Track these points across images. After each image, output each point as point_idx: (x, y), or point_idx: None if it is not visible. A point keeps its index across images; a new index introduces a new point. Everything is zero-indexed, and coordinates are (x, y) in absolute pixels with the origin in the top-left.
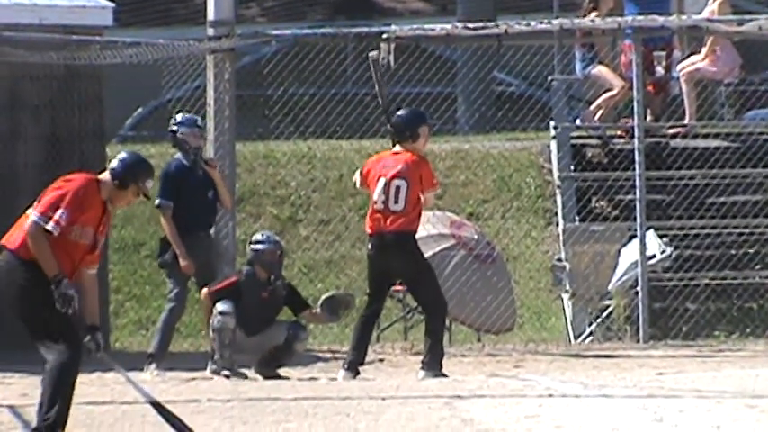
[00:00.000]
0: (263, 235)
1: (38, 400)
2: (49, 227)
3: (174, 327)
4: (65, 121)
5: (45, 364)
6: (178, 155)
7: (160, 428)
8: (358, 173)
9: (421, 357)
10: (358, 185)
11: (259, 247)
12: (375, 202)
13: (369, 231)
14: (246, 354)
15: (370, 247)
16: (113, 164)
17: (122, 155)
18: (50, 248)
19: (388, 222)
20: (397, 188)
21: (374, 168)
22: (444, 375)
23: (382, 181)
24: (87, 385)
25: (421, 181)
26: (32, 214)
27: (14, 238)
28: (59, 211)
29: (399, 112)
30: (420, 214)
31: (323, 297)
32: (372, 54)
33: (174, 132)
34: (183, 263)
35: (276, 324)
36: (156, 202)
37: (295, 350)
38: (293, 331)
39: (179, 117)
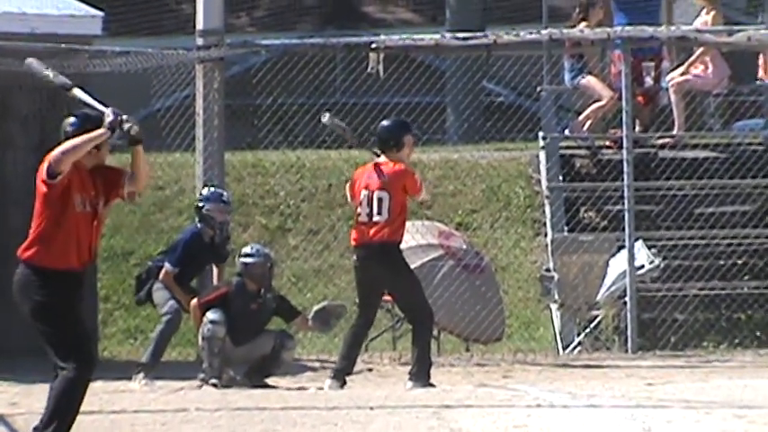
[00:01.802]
0: (252, 248)
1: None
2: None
3: (169, 339)
4: (54, 130)
5: (54, 379)
6: (199, 225)
7: None
8: (349, 187)
9: (409, 367)
10: (350, 200)
11: (249, 260)
12: (359, 214)
13: (353, 243)
14: (234, 364)
15: (355, 258)
16: (70, 128)
17: (69, 122)
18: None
19: (372, 233)
20: (380, 200)
21: (359, 180)
22: (432, 385)
23: (364, 193)
24: None
25: (405, 190)
26: (46, 162)
27: (25, 246)
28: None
29: (383, 122)
30: (404, 223)
31: (314, 309)
32: (325, 120)
33: (200, 208)
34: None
35: (264, 333)
36: (167, 266)
37: (283, 359)
38: (280, 340)
39: (205, 192)
